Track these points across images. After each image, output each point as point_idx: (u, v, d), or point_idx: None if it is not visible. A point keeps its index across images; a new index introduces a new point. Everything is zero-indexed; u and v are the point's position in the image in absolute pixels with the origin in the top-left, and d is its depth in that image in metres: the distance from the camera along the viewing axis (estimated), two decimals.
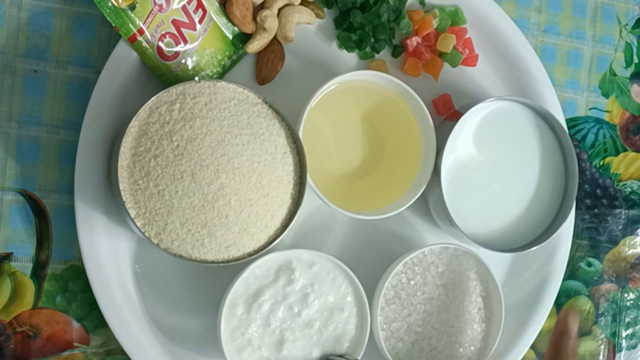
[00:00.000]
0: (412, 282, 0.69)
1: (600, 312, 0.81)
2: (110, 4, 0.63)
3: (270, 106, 0.64)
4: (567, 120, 0.80)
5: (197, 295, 0.68)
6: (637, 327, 0.83)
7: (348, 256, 0.70)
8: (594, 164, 0.81)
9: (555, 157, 0.72)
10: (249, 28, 0.68)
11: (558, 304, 0.79)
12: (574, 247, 0.80)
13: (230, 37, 0.68)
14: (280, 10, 0.69)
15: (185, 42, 0.65)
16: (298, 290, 0.65)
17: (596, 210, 0.81)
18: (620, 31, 0.82)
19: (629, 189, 0.82)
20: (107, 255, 0.65)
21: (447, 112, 0.73)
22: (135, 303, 0.66)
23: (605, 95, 0.82)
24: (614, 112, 0.82)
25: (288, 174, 0.63)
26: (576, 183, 0.71)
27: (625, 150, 0.82)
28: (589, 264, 0.81)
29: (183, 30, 0.65)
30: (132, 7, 0.63)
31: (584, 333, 0.81)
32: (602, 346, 0.81)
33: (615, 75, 0.82)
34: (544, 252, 0.75)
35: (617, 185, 0.82)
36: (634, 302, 0.82)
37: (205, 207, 0.60)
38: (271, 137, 0.63)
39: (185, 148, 0.59)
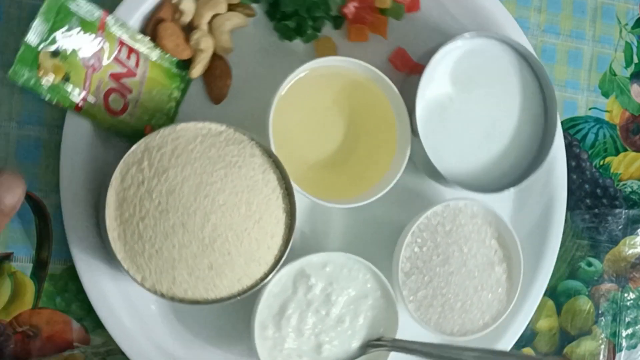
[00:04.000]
0: (424, 249, 0.69)
1: (600, 312, 0.81)
2: (44, 84, 0.60)
3: (235, 130, 0.63)
4: (567, 120, 0.80)
5: (218, 326, 0.69)
6: (637, 327, 0.83)
7: (354, 246, 0.70)
8: (594, 163, 0.81)
9: (533, 93, 0.72)
10: (186, 54, 0.66)
11: (558, 304, 0.79)
12: (574, 246, 0.80)
13: (171, 68, 0.66)
14: (209, 24, 0.67)
15: (130, 91, 0.64)
16: (319, 294, 0.66)
17: (596, 210, 0.81)
18: (620, 31, 0.82)
19: (629, 189, 0.82)
20: (121, 308, 0.66)
21: (407, 67, 0.72)
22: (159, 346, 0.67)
23: (605, 95, 0.82)
24: (614, 112, 0.82)
25: (274, 191, 0.63)
26: (556, 119, 0.70)
27: (625, 150, 0.82)
28: (589, 264, 0.81)
29: (124, 80, 0.63)
30: (67, 79, 0.61)
31: (584, 333, 0.81)
32: (602, 346, 0.81)
33: (615, 75, 0.82)
34: (540, 180, 0.75)
35: (617, 185, 0.82)
36: (634, 302, 0.82)
37: (205, 251, 0.60)
38: (245, 160, 0.62)
39: (167, 202, 0.59)
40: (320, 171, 0.68)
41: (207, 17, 0.67)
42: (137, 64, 0.63)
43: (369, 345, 0.67)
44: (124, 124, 0.64)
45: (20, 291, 0.66)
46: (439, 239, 0.69)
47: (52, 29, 0.59)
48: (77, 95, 0.61)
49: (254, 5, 0.70)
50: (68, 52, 0.60)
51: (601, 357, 0.81)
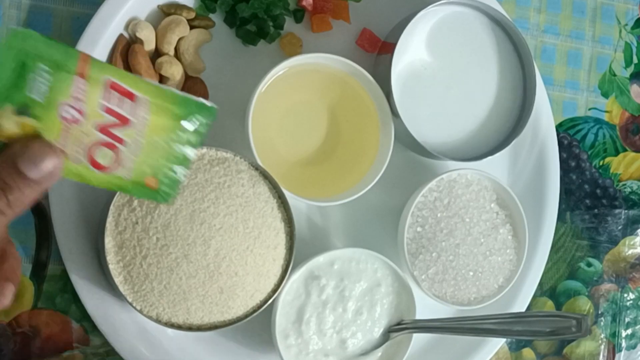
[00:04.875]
0: (427, 227, 0.69)
1: (600, 312, 0.81)
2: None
3: (217, 149, 0.62)
4: (567, 121, 0.80)
5: (239, 343, 0.70)
6: (636, 327, 0.83)
7: (356, 238, 0.71)
8: (593, 164, 0.81)
9: (509, 55, 0.72)
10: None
11: (558, 304, 0.79)
12: (574, 247, 0.80)
13: (177, 106, 0.51)
14: (176, 48, 0.66)
15: (122, 142, 0.50)
16: (332, 292, 0.66)
17: (596, 211, 0.81)
18: (620, 31, 0.82)
19: (628, 189, 0.82)
20: (137, 339, 0.66)
21: (375, 47, 0.72)
22: None
23: (605, 95, 0.82)
24: (613, 112, 0.82)
25: (267, 202, 0.63)
26: (535, 88, 0.70)
27: (625, 150, 0.82)
28: (589, 264, 0.81)
29: (114, 131, 0.50)
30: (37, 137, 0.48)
31: None
32: (602, 346, 0.81)
33: (614, 75, 0.82)
34: (527, 134, 0.75)
35: (617, 185, 0.82)
36: (633, 302, 0.82)
37: (212, 277, 0.60)
38: (233, 178, 0.62)
39: (165, 237, 0.59)
40: (307, 170, 0.68)
41: (173, 43, 0.66)
42: (132, 110, 0.50)
43: (390, 331, 0.68)
44: (121, 180, 0.51)
45: (20, 292, 0.66)
46: (439, 214, 0.70)
47: (16, 81, 0.47)
48: None
49: (213, 15, 0.69)
50: (37, 106, 0.48)
51: (601, 357, 0.81)
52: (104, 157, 0.50)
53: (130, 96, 0.50)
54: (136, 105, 0.50)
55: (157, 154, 0.51)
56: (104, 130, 0.50)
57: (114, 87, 0.50)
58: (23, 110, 0.48)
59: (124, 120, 0.50)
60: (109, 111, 0.50)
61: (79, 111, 0.49)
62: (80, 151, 0.49)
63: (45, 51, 0.48)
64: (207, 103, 0.51)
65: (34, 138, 0.46)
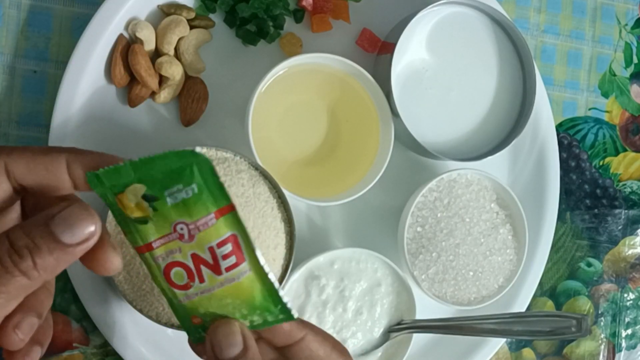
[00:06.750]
0: (427, 227, 0.69)
1: (600, 312, 0.81)
2: (118, 209, 0.48)
3: (217, 149, 0.62)
4: (567, 121, 0.80)
5: None
6: (636, 327, 0.83)
7: (356, 238, 0.71)
8: (593, 164, 0.81)
9: (509, 55, 0.72)
10: (154, 82, 0.65)
11: (558, 304, 0.79)
12: (574, 247, 0.80)
13: (267, 296, 0.50)
14: (176, 48, 0.66)
15: (202, 280, 0.50)
16: (332, 292, 0.66)
17: (596, 211, 0.81)
18: (620, 31, 0.82)
19: (628, 189, 0.82)
20: (137, 338, 0.66)
21: (375, 47, 0.72)
22: None
23: (605, 95, 0.82)
24: (613, 112, 0.82)
25: (267, 202, 0.63)
26: (535, 88, 0.70)
27: (625, 150, 0.82)
28: (589, 264, 0.81)
29: (203, 268, 0.50)
30: (142, 221, 0.49)
31: None
32: (602, 346, 0.81)
33: (614, 75, 0.82)
34: (527, 134, 0.75)
35: (617, 185, 0.82)
36: (633, 302, 0.82)
37: None
38: (233, 178, 0.62)
39: None
40: (307, 170, 0.68)
41: (173, 42, 0.66)
42: (230, 268, 0.50)
43: (390, 330, 0.68)
44: (174, 296, 0.51)
45: None
46: (439, 214, 0.70)
47: (164, 178, 0.47)
48: (144, 240, 0.49)
49: (213, 15, 0.69)
50: (163, 204, 0.48)
51: (601, 357, 0.81)
52: (178, 276, 0.50)
53: (239, 258, 0.49)
54: (236, 268, 0.49)
55: (216, 309, 0.51)
56: (195, 260, 0.49)
57: (234, 241, 0.49)
58: (150, 198, 0.47)
59: (216, 269, 0.49)
60: (213, 255, 0.49)
61: (191, 236, 0.49)
62: (165, 257, 0.49)
63: (206, 181, 0.47)
64: (295, 314, 0.50)
65: (73, 200, 0.43)
